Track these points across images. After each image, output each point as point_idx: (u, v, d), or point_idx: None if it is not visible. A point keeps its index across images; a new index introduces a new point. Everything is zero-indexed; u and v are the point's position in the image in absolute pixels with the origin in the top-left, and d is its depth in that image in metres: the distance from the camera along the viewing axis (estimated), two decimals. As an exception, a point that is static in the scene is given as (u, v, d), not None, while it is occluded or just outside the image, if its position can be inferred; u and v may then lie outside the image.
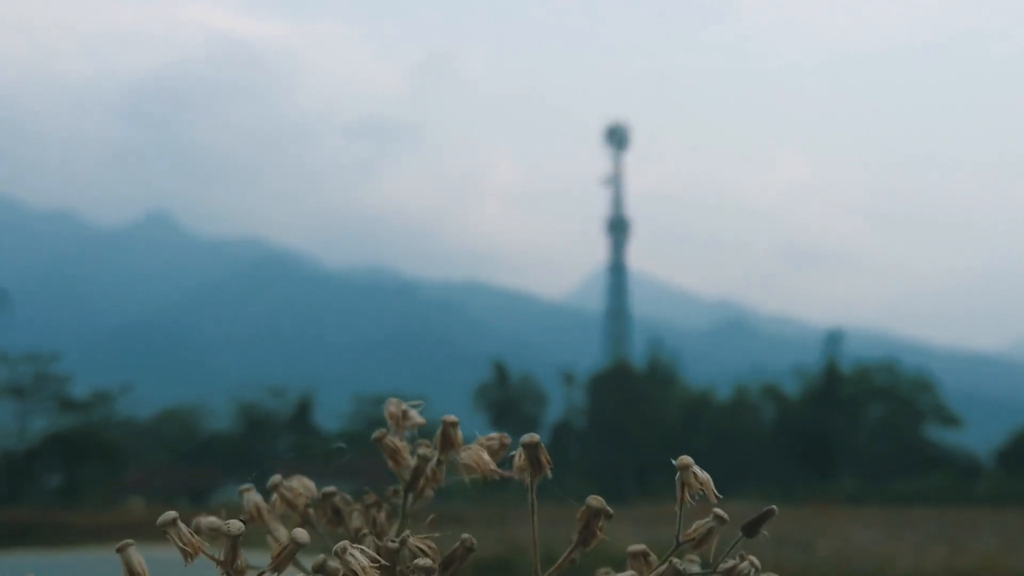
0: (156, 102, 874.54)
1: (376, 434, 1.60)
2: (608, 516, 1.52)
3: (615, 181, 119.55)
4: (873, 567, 25.05)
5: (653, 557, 1.48)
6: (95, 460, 72.10)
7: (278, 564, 1.21)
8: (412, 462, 1.57)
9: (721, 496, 1.47)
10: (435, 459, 1.56)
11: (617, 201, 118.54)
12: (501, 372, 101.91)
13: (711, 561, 1.46)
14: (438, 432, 1.58)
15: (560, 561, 1.50)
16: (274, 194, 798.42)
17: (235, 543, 1.24)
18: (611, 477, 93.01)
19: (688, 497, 1.47)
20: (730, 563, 1.42)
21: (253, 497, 1.42)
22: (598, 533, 1.52)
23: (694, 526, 1.46)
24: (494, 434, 1.56)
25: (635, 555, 1.48)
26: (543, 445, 1.50)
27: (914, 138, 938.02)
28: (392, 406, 1.64)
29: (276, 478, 1.49)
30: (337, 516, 1.51)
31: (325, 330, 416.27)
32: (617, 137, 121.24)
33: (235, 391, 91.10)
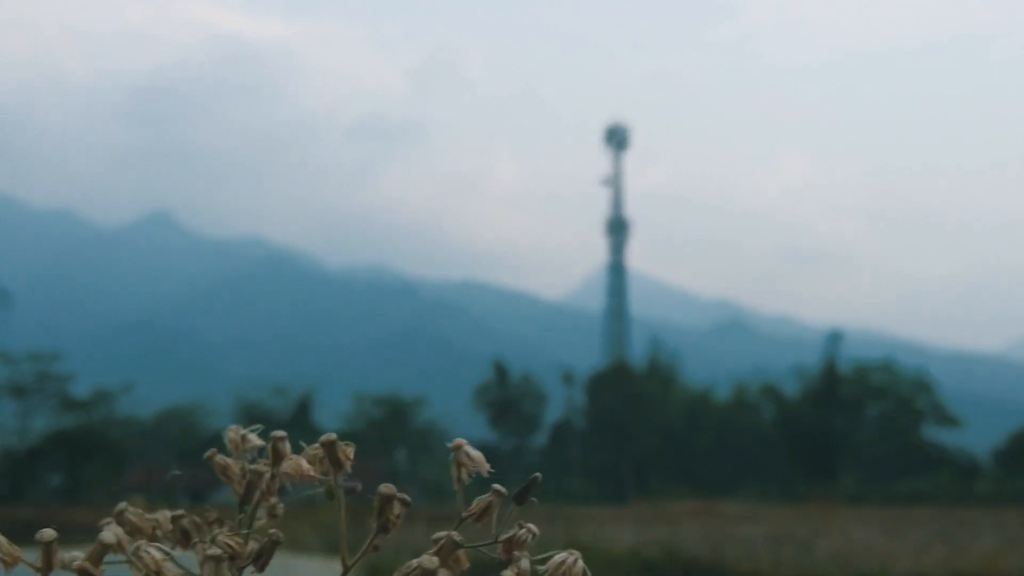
0: (157, 102, 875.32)
1: (207, 453, 1.69)
2: (405, 504, 1.62)
3: (615, 182, 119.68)
4: (873, 566, 25.15)
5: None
6: (97, 459, 72.20)
7: (89, 557, 1.44)
8: (246, 477, 1.66)
9: (494, 470, 1.62)
10: (268, 473, 1.64)
11: (617, 201, 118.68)
12: (501, 372, 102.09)
13: (493, 533, 1.60)
14: (269, 446, 1.66)
15: (364, 548, 1.62)
16: (275, 194, 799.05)
17: (48, 548, 1.45)
18: (611, 476, 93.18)
19: (464, 475, 1.62)
20: (509, 532, 1.60)
21: (112, 531, 1.52)
22: (393, 519, 1.62)
23: (475, 501, 1.61)
24: (321, 440, 1.67)
25: (435, 541, 1.61)
26: (341, 443, 1.63)
27: (914, 141, 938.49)
28: (231, 432, 1.71)
29: (122, 505, 1.59)
30: (185, 536, 1.60)
31: (326, 330, 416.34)
32: (617, 138, 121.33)
33: (236, 390, 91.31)
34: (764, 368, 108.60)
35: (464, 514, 1.61)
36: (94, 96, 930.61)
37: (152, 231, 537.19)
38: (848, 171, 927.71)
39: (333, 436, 1.63)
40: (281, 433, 1.65)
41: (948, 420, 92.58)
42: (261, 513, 1.63)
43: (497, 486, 1.61)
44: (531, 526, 1.61)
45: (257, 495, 1.63)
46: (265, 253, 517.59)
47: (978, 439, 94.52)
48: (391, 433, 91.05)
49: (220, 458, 1.69)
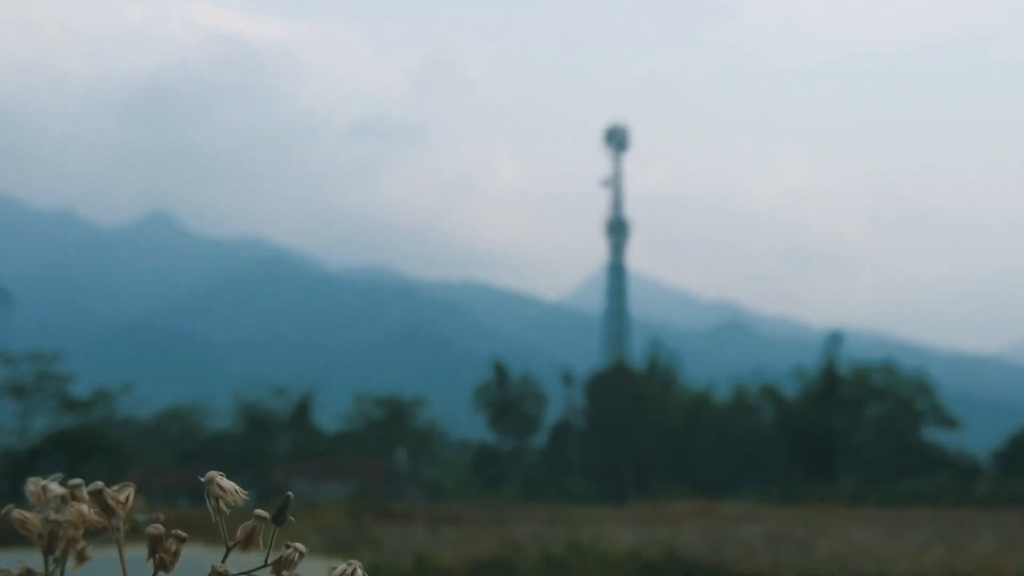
0: (157, 102, 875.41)
1: (4, 510, 1.71)
2: (180, 540, 1.65)
3: (615, 182, 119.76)
4: (873, 567, 25.17)
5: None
6: (96, 459, 72.17)
7: None
8: (48, 526, 1.68)
9: (248, 497, 1.66)
10: (66, 522, 1.66)
11: (617, 202, 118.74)
12: (501, 372, 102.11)
13: (265, 558, 1.65)
14: (68, 494, 1.69)
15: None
16: (275, 194, 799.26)
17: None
18: (611, 477, 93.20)
19: (223, 505, 1.64)
20: (281, 553, 1.64)
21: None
22: (169, 556, 1.64)
23: (239, 529, 1.65)
24: (117, 485, 1.68)
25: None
26: (110, 491, 1.65)
27: (914, 141, 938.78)
28: (31, 486, 1.72)
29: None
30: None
31: (326, 330, 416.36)
32: (617, 138, 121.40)
33: (236, 391, 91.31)
34: (764, 369, 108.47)
35: (230, 544, 1.63)
36: (94, 96, 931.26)
37: (152, 231, 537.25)
38: (848, 172, 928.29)
39: (99, 485, 1.64)
40: (77, 481, 1.66)
41: (947, 421, 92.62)
42: (71, 561, 1.66)
43: (259, 511, 1.63)
44: (298, 545, 1.64)
45: (62, 544, 1.65)
46: (265, 253, 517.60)
47: (977, 440, 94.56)
48: (391, 433, 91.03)
49: (17, 513, 1.69)
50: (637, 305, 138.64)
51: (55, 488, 1.69)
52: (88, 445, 70.36)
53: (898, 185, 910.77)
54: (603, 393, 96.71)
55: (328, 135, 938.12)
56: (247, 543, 1.64)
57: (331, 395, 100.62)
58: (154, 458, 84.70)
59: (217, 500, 1.64)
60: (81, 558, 1.67)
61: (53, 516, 1.66)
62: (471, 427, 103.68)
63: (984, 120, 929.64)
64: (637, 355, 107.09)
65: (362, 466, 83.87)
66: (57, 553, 1.64)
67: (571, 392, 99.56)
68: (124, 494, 1.64)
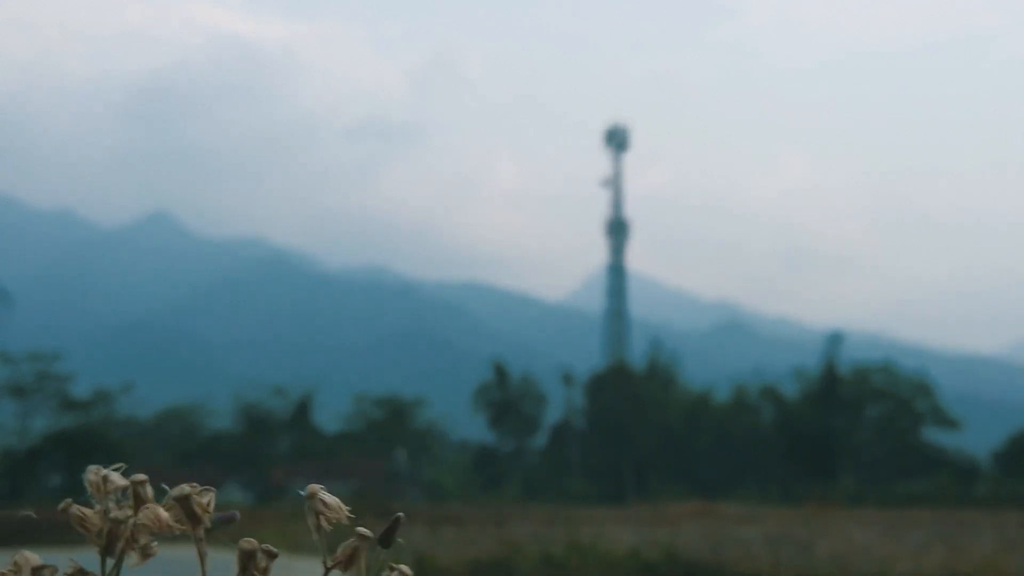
0: (158, 102, 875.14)
1: (62, 504, 1.57)
2: (271, 556, 1.53)
3: (615, 182, 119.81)
4: (872, 567, 25.19)
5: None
6: (96, 459, 71.86)
7: None
8: (107, 525, 1.54)
9: (351, 515, 1.51)
10: (130, 520, 1.52)
11: (617, 202, 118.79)
12: (501, 372, 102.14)
13: None
14: (129, 492, 1.55)
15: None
16: (275, 194, 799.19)
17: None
18: (611, 477, 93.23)
19: (324, 522, 1.53)
20: None
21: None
22: (260, 573, 1.53)
23: (340, 548, 1.54)
24: (185, 486, 1.54)
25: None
26: (195, 496, 1.52)
27: (914, 142, 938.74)
28: (91, 474, 1.59)
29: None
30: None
31: (325, 330, 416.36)
32: (617, 139, 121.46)
33: (236, 391, 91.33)
34: (764, 369, 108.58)
35: (330, 563, 1.53)
36: (94, 96, 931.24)
37: (152, 231, 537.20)
38: (848, 172, 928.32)
39: (186, 489, 1.51)
40: (141, 477, 1.55)
41: (947, 422, 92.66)
42: (132, 558, 1.53)
43: (361, 530, 1.53)
44: (403, 567, 1.54)
45: (120, 544, 1.52)
46: (265, 253, 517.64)
47: (977, 441, 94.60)
48: (391, 434, 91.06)
49: (76, 509, 1.57)
50: (637, 305, 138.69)
51: (116, 479, 1.57)
52: (88, 445, 70.35)
53: (898, 185, 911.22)
54: (603, 393, 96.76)
55: (328, 135, 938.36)
56: (348, 564, 1.53)
57: (331, 395, 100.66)
58: (154, 458, 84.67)
59: (318, 516, 1.52)
60: (145, 554, 1.54)
61: (114, 514, 1.53)
62: (471, 427, 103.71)
63: (984, 120, 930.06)
64: (637, 355, 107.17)
65: (362, 466, 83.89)
66: (116, 554, 1.51)
67: (571, 392, 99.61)
68: (207, 499, 1.53)
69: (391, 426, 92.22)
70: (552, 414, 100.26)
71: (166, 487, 1.54)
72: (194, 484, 1.53)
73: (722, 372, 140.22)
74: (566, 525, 36.16)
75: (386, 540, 1.55)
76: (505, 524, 39.27)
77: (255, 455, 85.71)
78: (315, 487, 1.53)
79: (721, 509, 57.14)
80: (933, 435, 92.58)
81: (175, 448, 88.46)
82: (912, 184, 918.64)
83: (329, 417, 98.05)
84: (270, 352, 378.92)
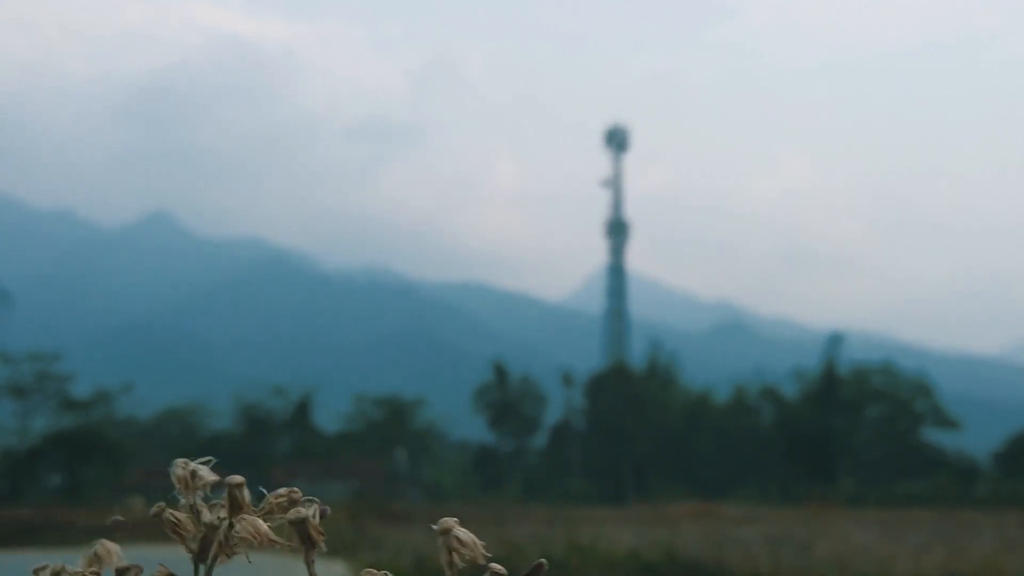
0: (158, 103, 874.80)
1: (154, 509, 1.50)
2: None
3: (615, 183, 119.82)
4: (872, 568, 25.19)
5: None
6: (96, 459, 72.20)
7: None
8: (200, 531, 1.46)
9: (489, 555, 1.41)
10: (225, 524, 1.43)
11: (617, 203, 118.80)
12: (501, 373, 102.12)
13: None
14: (224, 495, 1.46)
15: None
16: (275, 195, 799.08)
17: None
18: (610, 478, 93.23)
19: (457, 560, 1.43)
20: None
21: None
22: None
23: None
24: (283, 490, 1.46)
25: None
26: (313, 519, 1.42)
27: (914, 142, 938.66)
28: (179, 468, 1.52)
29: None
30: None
31: (325, 330, 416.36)
32: (617, 139, 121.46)
33: (236, 391, 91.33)
34: (763, 370, 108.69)
35: None
36: (94, 96, 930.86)
37: (152, 232, 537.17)
38: (848, 173, 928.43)
39: (304, 514, 1.39)
40: (238, 479, 1.45)
41: (947, 422, 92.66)
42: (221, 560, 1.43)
43: (495, 566, 1.43)
44: (495, 566, 1.42)
45: (213, 550, 1.43)
46: (265, 254, 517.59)
47: (977, 441, 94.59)
48: (391, 434, 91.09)
49: (169, 514, 1.51)
50: (637, 306, 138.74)
51: (206, 475, 1.51)
52: (88, 445, 70.38)
53: (898, 185, 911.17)
54: (603, 394, 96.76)
55: (328, 135, 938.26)
56: None
57: (331, 395, 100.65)
58: (154, 459, 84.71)
59: (451, 553, 1.43)
60: (227, 554, 1.45)
61: (207, 518, 1.45)
62: (471, 428, 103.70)
63: (984, 120, 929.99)
64: (637, 356, 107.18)
65: (362, 467, 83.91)
66: (209, 562, 1.43)
67: (571, 393, 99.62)
68: (313, 512, 1.42)
69: (391, 426, 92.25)
70: (552, 414, 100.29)
71: (264, 490, 1.45)
72: (296, 492, 1.40)
73: (722, 372, 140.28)
74: (566, 525, 36.16)
75: None
76: (505, 524, 39.26)
77: (255, 455, 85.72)
78: (449, 521, 1.43)
79: (721, 509, 57.17)
80: (933, 435, 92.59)
81: (175, 448, 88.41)
82: (912, 184, 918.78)
83: (329, 417, 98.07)
84: (270, 352, 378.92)
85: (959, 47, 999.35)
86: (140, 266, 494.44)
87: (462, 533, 1.44)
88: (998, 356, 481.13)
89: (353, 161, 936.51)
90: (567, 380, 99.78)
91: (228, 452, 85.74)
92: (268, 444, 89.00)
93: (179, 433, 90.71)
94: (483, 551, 1.43)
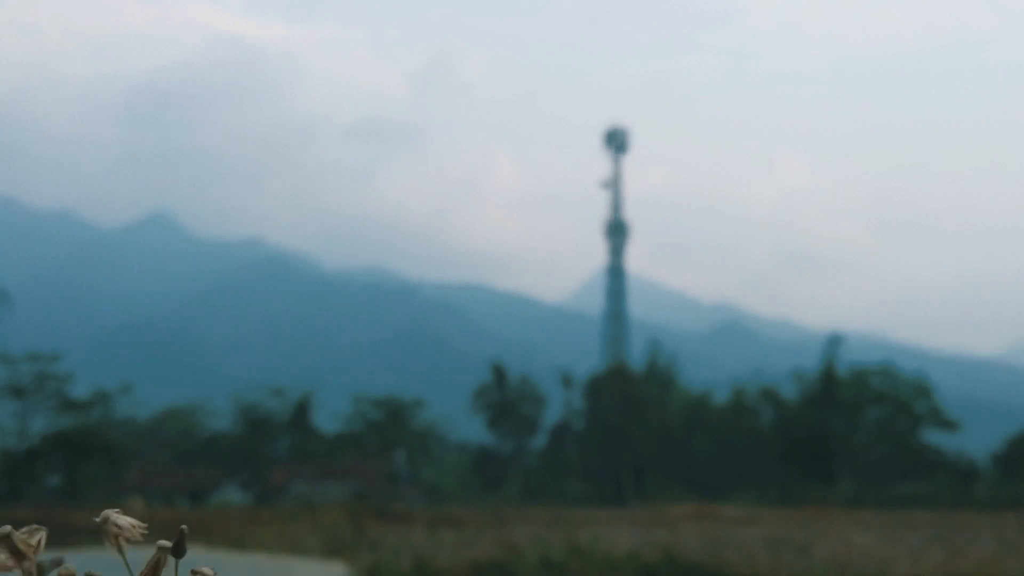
0: (157, 104, 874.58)
1: None
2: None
3: (614, 184, 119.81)
4: (871, 569, 25.18)
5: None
6: (95, 460, 72.17)
7: None
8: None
9: (147, 532, 1.63)
10: None
11: (616, 204, 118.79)
12: (500, 374, 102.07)
13: None
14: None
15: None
16: (275, 196, 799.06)
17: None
18: (610, 479, 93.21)
19: (123, 543, 1.62)
20: None
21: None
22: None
23: (145, 564, 1.63)
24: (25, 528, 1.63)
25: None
26: (19, 533, 1.59)
27: (913, 144, 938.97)
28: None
29: (5, 529, 1.64)
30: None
31: (325, 331, 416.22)
32: (616, 141, 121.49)
33: (235, 392, 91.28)
34: (763, 371, 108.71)
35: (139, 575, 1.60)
36: (94, 97, 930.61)
37: (152, 232, 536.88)
38: (847, 175, 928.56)
39: (8, 529, 1.57)
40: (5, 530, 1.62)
41: (946, 424, 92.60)
42: None
43: (162, 542, 1.61)
44: (206, 570, 1.63)
45: None
46: (264, 255, 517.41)
47: (976, 443, 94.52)
48: (390, 434, 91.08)
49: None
50: (636, 307, 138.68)
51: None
52: (87, 445, 70.35)
53: (896, 187, 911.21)
54: (602, 395, 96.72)
55: (328, 136, 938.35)
56: (154, 574, 1.63)
57: (330, 396, 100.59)
58: (154, 458, 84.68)
59: (116, 538, 1.61)
60: None
61: None
62: (470, 429, 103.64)
63: (982, 122, 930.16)
64: (636, 357, 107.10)
65: (361, 467, 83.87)
66: None
67: (570, 394, 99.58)
68: (35, 538, 1.58)
69: (390, 427, 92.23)
70: (551, 415, 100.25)
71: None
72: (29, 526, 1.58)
73: (721, 374, 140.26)
74: (565, 527, 36.16)
75: (177, 550, 1.61)
76: (504, 526, 39.26)
77: (254, 456, 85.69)
78: (108, 512, 1.60)
79: (720, 511, 57.16)
80: (932, 437, 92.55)
81: (174, 448, 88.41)
82: (911, 186, 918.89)
83: (328, 418, 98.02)
84: (270, 353, 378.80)
85: (957, 49, 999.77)
86: (140, 266, 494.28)
87: (120, 520, 1.60)
88: (997, 357, 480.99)
89: (353, 162, 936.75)
90: (566, 381, 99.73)
91: (227, 452, 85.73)
92: (267, 445, 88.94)
93: (178, 434, 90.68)
94: (141, 532, 1.62)
